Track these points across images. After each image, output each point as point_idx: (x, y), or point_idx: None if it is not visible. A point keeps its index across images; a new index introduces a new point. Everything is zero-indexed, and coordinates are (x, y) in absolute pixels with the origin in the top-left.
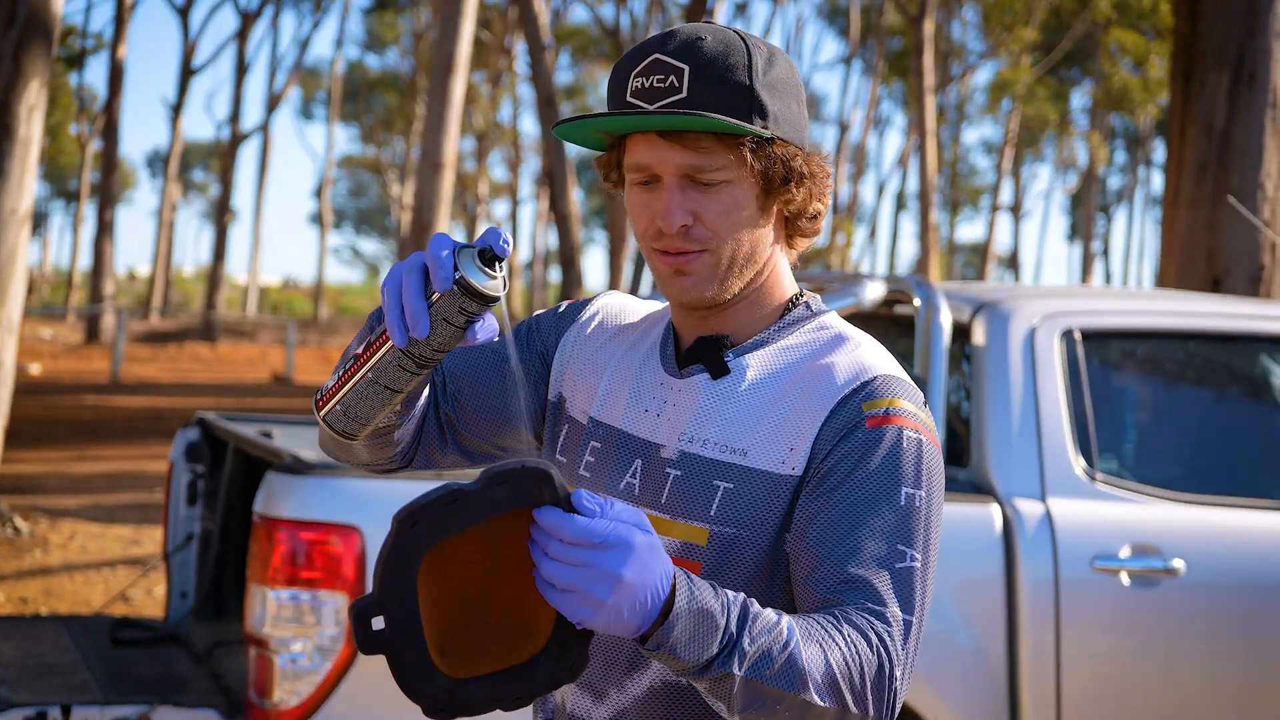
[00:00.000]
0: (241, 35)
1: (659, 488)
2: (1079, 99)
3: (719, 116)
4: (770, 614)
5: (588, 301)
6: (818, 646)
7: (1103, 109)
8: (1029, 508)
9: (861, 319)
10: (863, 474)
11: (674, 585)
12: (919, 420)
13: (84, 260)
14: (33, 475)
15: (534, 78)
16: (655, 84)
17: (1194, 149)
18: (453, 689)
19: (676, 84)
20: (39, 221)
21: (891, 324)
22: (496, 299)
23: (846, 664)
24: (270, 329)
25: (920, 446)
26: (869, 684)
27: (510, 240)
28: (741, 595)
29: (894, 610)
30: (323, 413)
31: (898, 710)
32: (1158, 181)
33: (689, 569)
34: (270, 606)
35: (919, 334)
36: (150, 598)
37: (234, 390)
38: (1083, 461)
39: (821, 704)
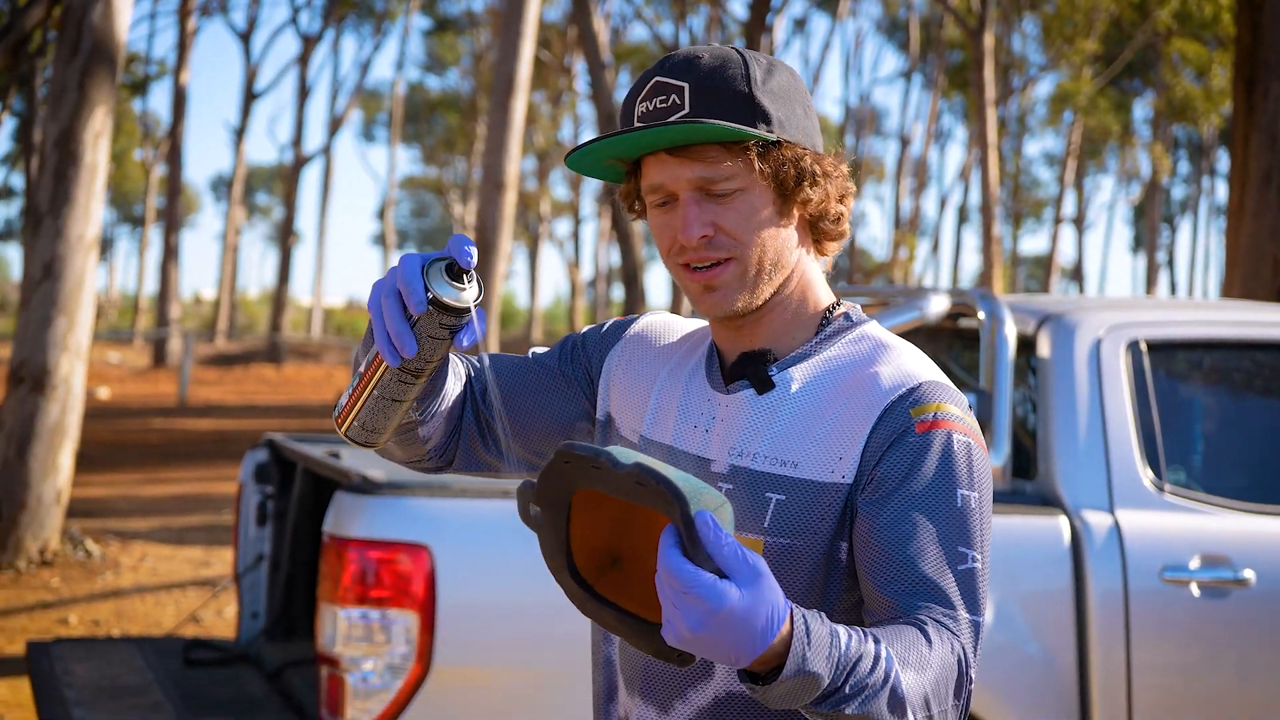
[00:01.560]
0: (303, 59)
1: None
2: (1141, 110)
3: (716, 122)
4: (870, 650)
5: (632, 320)
6: (914, 672)
7: (1165, 119)
8: (1097, 519)
9: (926, 333)
10: (918, 479)
11: (787, 632)
12: (966, 424)
13: (150, 285)
14: (103, 499)
15: (594, 96)
16: (658, 105)
17: (1258, 158)
18: (582, 595)
19: (679, 101)
20: (105, 247)
21: (956, 338)
22: (468, 310)
23: (937, 683)
24: (335, 350)
25: (970, 450)
26: (952, 695)
27: (473, 248)
28: (847, 638)
29: (963, 614)
30: (343, 429)
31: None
32: (1222, 191)
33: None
34: (341, 626)
35: (984, 347)
36: (221, 618)
37: (300, 411)
38: (1150, 473)
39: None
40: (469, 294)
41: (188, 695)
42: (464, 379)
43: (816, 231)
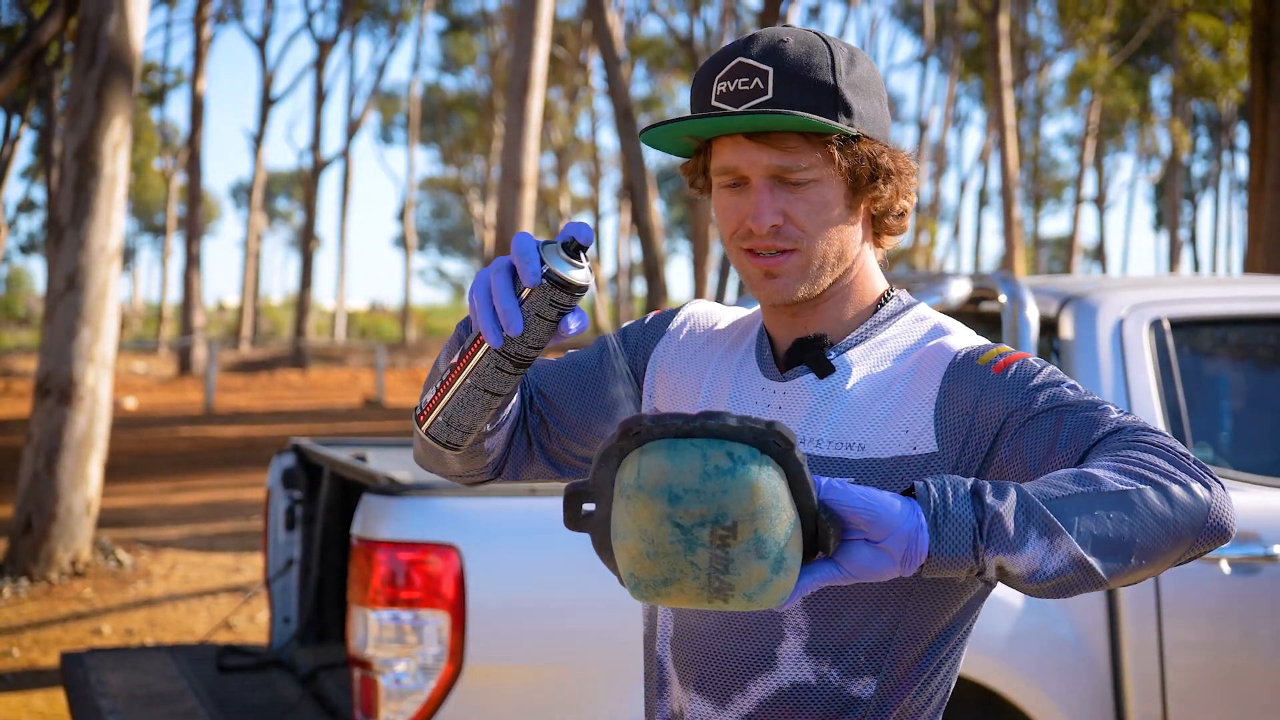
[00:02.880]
0: (319, 63)
1: None
2: (1159, 87)
3: (807, 115)
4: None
5: (675, 311)
6: (1071, 478)
7: (1183, 96)
8: None
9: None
10: (1033, 398)
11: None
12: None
13: (173, 293)
14: (133, 508)
15: (610, 91)
16: (740, 87)
17: (1277, 132)
18: None
19: (761, 86)
20: (128, 257)
21: (978, 321)
22: (585, 288)
23: (1121, 465)
24: (359, 353)
25: (1046, 364)
26: (1169, 461)
27: (592, 229)
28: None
29: (1139, 421)
30: (425, 427)
31: (1224, 503)
32: (1243, 166)
33: None
34: (372, 628)
35: (1006, 330)
36: (253, 624)
37: (326, 416)
38: None
39: (1141, 487)
40: (584, 273)
41: (222, 701)
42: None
43: (878, 225)
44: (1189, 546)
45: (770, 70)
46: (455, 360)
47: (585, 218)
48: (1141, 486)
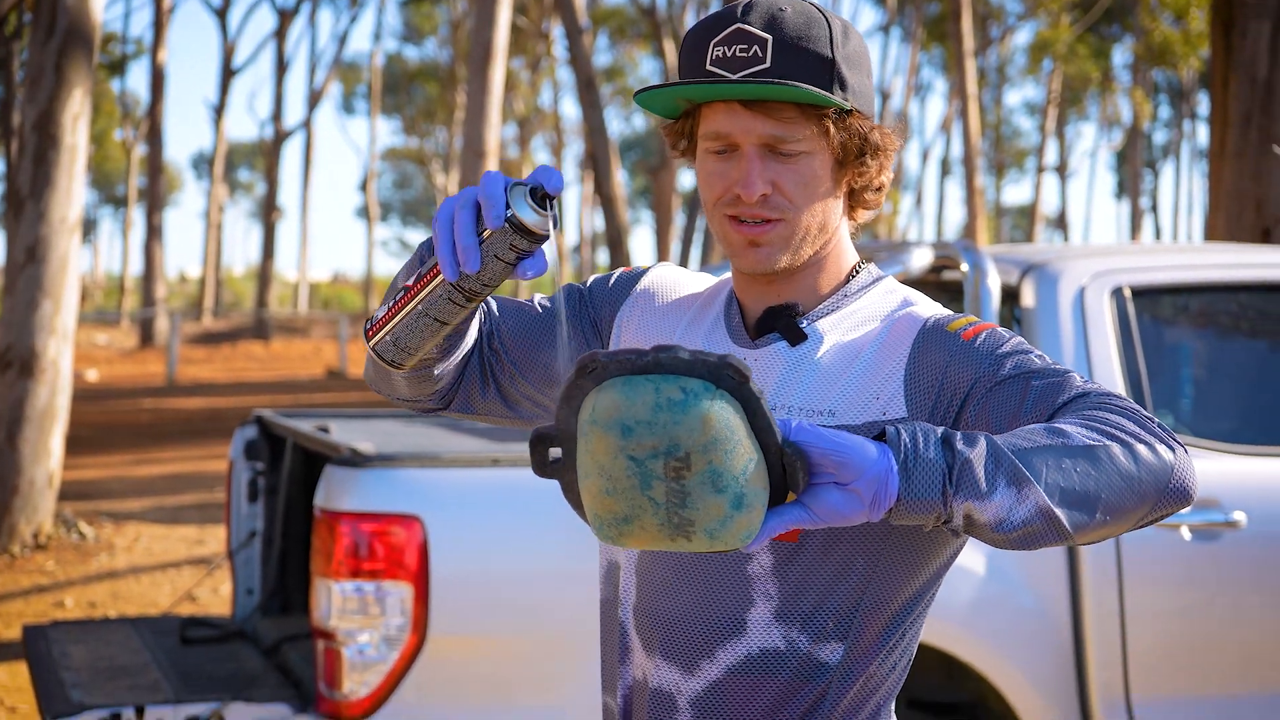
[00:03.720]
0: (280, 33)
1: None
2: (1120, 55)
3: (809, 87)
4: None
5: (641, 272)
6: (1041, 431)
7: (1145, 64)
8: None
9: (910, 286)
10: (1000, 364)
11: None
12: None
13: (135, 265)
14: (95, 480)
15: (573, 61)
16: (738, 53)
17: (1237, 100)
18: None
19: (760, 54)
20: (88, 228)
21: (940, 290)
22: (547, 236)
23: (1089, 423)
24: (322, 324)
25: (1014, 334)
26: (1135, 423)
27: (563, 176)
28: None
29: (1103, 389)
30: (373, 342)
31: (1185, 468)
32: (1203, 135)
33: (788, 535)
34: (335, 599)
35: (968, 298)
36: (217, 596)
37: (289, 387)
38: None
39: (1108, 444)
40: (547, 221)
41: (185, 673)
42: (477, 322)
43: (855, 198)
44: (1151, 506)
45: (770, 39)
46: (411, 283)
47: None
48: (1108, 443)
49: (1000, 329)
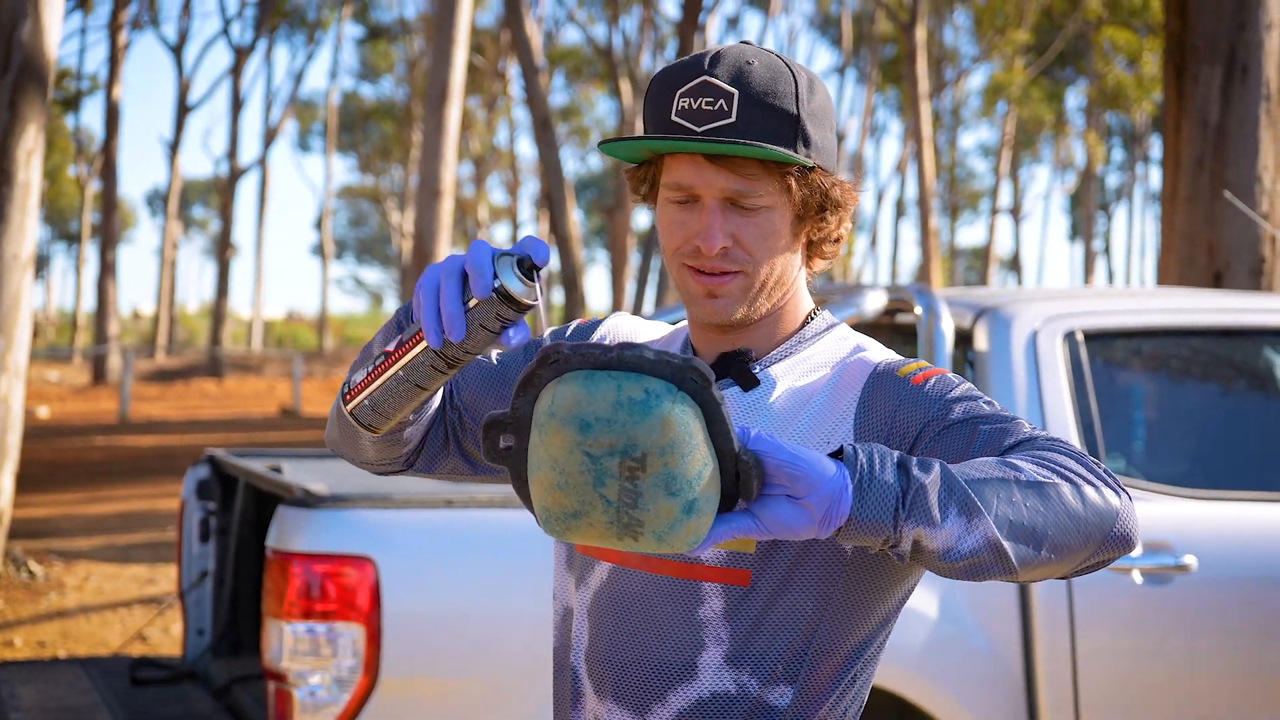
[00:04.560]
0: (235, 71)
1: None
2: (1074, 99)
3: (773, 147)
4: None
5: (598, 323)
6: (994, 464)
7: (1098, 108)
8: None
9: (864, 330)
10: (949, 409)
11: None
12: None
13: (88, 301)
14: (45, 518)
15: (529, 101)
16: (704, 106)
17: (1190, 144)
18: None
19: (725, 108)
20: (41, 265)
21: (895, 333)
22: (533, 306)
23: (1039, 461)
24: (276, 362)
25: (964, 381)
26: (1083, 466)
27: (549, 250)
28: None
29: (1051, 435)
30: (350, 406)
31: (1129, 516)
32: (1156, 178)
33: (738, 578)
34: (287, 640)
35: (921, 342)
36: (168, 636)
37: (242, 425)
38: None
39: (1058, 482)
40: (534, 291)
41: (135, 715)
42: None
43: (813, 249)
44: (1095, 549)
45: (736, 94)
46: (391, 348)
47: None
48: (1059, 481)
49: (951, 375)
